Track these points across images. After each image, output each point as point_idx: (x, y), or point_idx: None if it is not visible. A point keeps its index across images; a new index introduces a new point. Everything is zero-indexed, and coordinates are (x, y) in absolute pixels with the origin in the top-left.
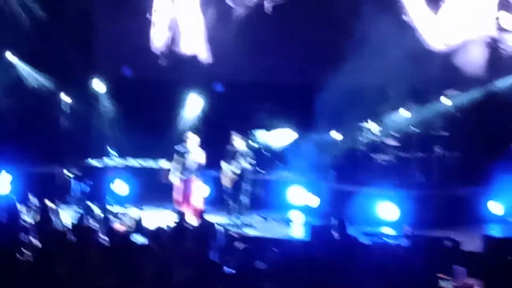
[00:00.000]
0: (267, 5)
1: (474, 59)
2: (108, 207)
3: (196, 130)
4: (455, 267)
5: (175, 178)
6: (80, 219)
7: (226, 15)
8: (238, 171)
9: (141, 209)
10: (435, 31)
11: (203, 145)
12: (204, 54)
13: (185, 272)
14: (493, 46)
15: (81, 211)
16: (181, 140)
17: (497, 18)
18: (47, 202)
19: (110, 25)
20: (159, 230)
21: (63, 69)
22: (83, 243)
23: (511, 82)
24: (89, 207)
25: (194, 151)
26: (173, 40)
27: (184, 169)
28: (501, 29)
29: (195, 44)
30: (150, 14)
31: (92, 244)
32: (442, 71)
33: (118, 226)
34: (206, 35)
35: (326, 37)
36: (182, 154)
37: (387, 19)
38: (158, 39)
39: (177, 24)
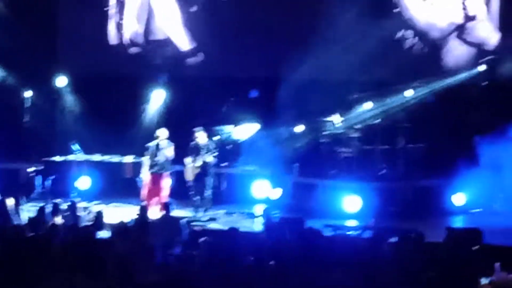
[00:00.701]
0: None
1: (441, 49)
2: (71, 202)
3: (160, 125)
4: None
5: (145, 174)
6: (40, 213)
7: (186, 8)
8: (201, 164)
9: (105, 204)
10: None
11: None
12: (180, 39)
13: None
14: (459, 35)
15: (41, 205)
16: (146, 135)
17: (464, 6)
18: (6, 199)
19: (73, 20)
20: (120, 224)
21: (26, 64)
22: (41, 238)
23: (475, 73)
24: (53, 202)
25: (164, 146)
26: (146, 28)
27: (155, 164)
28: (467, 18)
29: (169, 29)
30: (111, 8)
31: (50, 239)
32: (406, 63)
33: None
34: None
35: (289, 29)
36: (152, 150)
37: (352, 10)
38: (126, 29)
39: (148, 10)
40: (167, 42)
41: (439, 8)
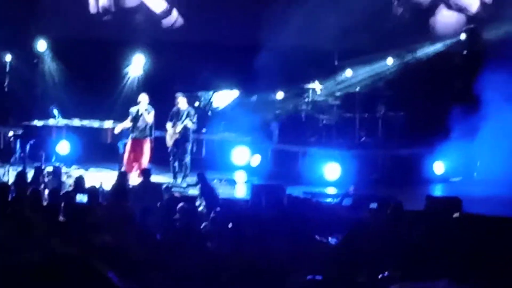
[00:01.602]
0: None
1: (427, 16)
2: (54, 167)
3: (140, 90)
4: None
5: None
6: (17, 178)
7: None
8: (181, 130)
9: (85, 169)
10: None
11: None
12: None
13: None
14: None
15: (19, 171)
16: (125, 100)
17: None
18: None
19: None
20: (97, 189)
21: (6, 28)
22: (13, 203)
23: (456, 41)
24: (35, 167)
25: (145, 112)
26: None
27: (136, 129)
28: None
29: None
30: None
31: (23, 204)
32: (387, 30)
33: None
34: None
35: None
36: (133, 115)
37: None
38: None
39: None
40: (138, 8)
41: None
